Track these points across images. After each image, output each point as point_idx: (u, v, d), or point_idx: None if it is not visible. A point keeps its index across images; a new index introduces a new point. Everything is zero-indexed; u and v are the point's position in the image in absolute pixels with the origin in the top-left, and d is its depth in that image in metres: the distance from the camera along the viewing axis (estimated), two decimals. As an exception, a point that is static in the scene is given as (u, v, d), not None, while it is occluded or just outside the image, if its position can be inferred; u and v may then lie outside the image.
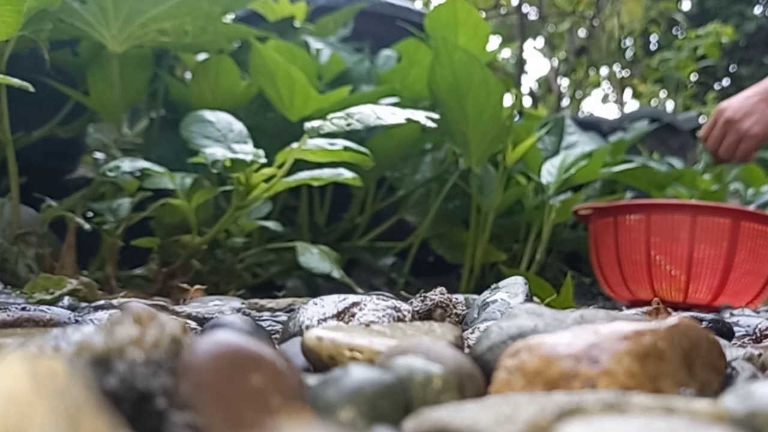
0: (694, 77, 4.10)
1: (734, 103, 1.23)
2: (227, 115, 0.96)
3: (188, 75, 1.25)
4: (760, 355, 0.42)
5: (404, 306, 0.53)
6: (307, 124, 0.82)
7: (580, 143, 1.35)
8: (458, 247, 1.26)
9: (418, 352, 0.33)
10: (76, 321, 0.55)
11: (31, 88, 0.74)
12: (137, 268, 0.96)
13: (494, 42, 3.00)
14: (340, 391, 0.27)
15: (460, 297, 0.71)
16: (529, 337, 0.34)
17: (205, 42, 1.08)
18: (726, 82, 6.20)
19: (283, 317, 0.65)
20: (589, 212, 1.13)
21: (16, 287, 0.77)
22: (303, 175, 0.89)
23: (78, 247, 0.88)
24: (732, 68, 6.25)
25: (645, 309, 0.66)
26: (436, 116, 0.89)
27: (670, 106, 3.90)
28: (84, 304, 0.64)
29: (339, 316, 0.50)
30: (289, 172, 0.88)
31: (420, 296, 0.56)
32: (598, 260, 1.13)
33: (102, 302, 0.64)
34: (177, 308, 0.65)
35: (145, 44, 1.04)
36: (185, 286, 0.84)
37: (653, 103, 3.95)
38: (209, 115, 0.95)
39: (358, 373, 0.28)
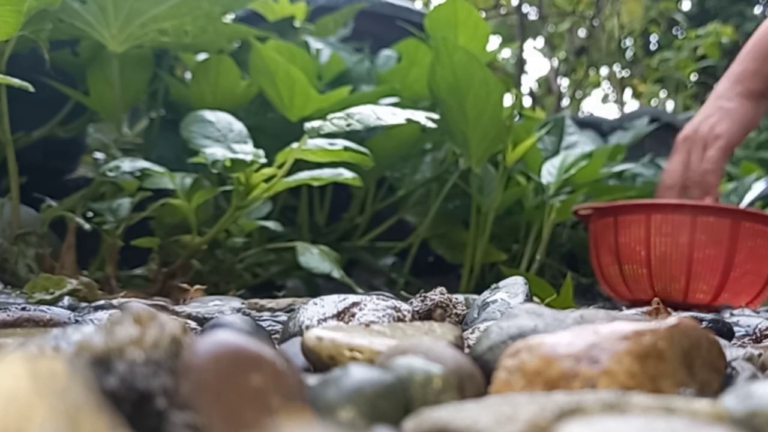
0: (694, 77, 4.10)
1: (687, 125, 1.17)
2: (227, 115, 0.96)
3: (188, 75, 1.25)
4: (760, 355, 0.42)
5: (404, 306, 0.53)
6: (307, 124, 0.82)
7: (580, 143, 1.35)
8: (458, 247, 1.26)
9: (418, 352, 0.33)
10: (76, 321, 0.55)
11: (31, 88, 0.74)
12: (137, 268, 0.96)
13: (494, 42, 3.00)
14: (340, 391, 0.27)
15: (460, 297, 0.71)
16: (529, 337, 0.34)
17: (205, 42, 1.08)
18: (726, 82, 6.17)
19: (283, 317, 0.65)
20: (589, 212, 1.13)
21: (16, 287, 0.77)
22: (303, 175, 0.89)
23: (78, 247, 0.88)
24: (732, 68, 6.24)
25: (645, 309, 0.66)
26: (436, 116, 0.89)
27: (670, 106, 3.89)
28: (84, 304, 0.64)
29: (339, 316, 0.50)
30: (289, 172, 0.88)
31: (420, 296, 0.56)
32: (598, 260, 1.13)
33: (102, 302, 0.64)
34: (177, 308, 0.65)
35: (145, 44, 1.04)
36: (185, 286, 0.84)
37: (653, 103, 3.95)
38: (209, 115, 0.95)
39: (358, 373, 0.28)
